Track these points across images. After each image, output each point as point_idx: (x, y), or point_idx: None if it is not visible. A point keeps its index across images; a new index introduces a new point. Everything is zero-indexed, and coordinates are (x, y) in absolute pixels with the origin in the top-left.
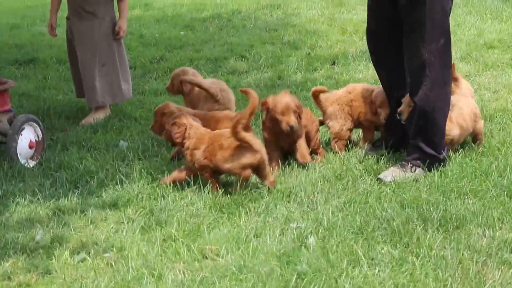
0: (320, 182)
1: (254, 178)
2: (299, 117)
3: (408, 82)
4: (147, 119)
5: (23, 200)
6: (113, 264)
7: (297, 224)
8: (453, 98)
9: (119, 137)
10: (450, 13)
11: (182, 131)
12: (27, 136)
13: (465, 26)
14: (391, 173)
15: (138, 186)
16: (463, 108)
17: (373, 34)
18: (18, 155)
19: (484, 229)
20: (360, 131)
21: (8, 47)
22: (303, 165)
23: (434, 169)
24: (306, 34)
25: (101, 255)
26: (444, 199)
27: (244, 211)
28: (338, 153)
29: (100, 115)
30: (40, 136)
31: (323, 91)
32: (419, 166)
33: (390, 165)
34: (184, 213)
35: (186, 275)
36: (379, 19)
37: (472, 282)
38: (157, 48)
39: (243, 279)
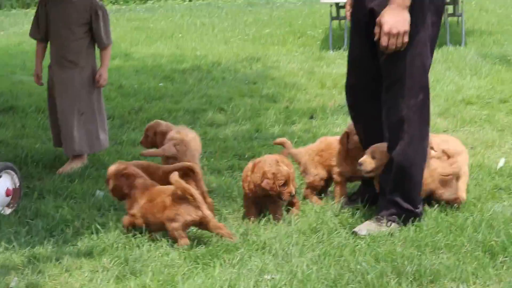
0: (295, 234)
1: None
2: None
3: (386, 137)
4: None
5: None
6: None
7: (271, 276)
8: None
9: (96, 187)
10: (429, 69)
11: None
12: (4, 184)
13: (444, 82)
14: (366, 227)
15: (113, 235)
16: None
17: (352, 89)
18: None
19: (458, 284)
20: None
21: None
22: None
23: (409, 223)
24: (285, 87)
25: None
26: (419, 253)
27: (219, 262)
28: (310, 202)
29: (77, 164)
30: (17, 184)
31: (283, 143)
32: (394, 221)
33: (365, 219)
34: (159, 263)
35: None
36: (359, 73)
37: None
38: (135, 99)
39: None
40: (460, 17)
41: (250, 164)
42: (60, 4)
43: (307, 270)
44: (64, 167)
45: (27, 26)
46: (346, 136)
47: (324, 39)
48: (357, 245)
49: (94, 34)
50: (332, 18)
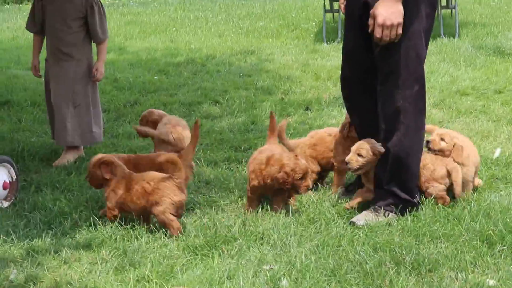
0: (294, 225)
1: (227, 220)
2: None
3: (382, 128)
4: None
5: None
6: None
7: (270, 266)
8: None
9: None
10: (424, 61)
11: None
12: (1, 177)
13: (438, 73)
14: (364, 217)
15: (111, 227)
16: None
17: (347, 81)
18: None
19: (457, 273)
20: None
21: None
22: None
23: (407, 213)
24: (280, 79)
25: None
26: (417, 242)
27: (217, 253)
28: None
29: (72, 156)
30: (14, 177)
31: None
32: (392, 211)
33: (363, 209)
34: (157, 254)
35: None
36: (354, 66)
37: None
38: (131, 92)
39: None
40: (453, 9)
41: (257, 156)
42: None
43: (306, 260)
44: (59, 160)
45: (21, 21)
46: (348, 125)
47: (318, 32)
48: (355, 235)
49: (90, 29)
50: (326, 11)
